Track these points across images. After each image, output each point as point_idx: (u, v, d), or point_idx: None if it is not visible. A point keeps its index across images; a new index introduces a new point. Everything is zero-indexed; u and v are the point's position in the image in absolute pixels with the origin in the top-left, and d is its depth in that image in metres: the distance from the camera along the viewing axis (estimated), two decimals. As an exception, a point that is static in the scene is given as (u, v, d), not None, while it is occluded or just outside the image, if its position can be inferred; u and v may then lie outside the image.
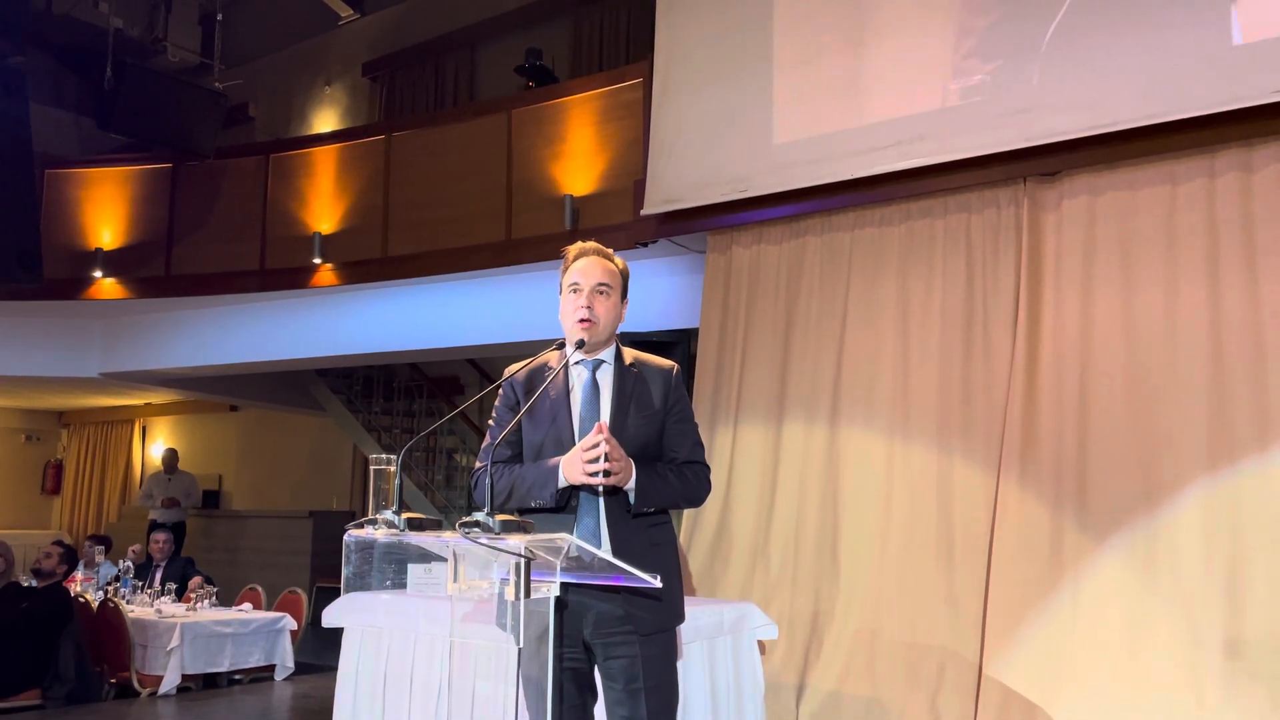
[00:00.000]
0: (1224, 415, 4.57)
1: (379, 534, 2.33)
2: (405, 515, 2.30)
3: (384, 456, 2.41)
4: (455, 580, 2.44)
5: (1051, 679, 4.68)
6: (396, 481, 2.38)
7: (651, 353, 2.83)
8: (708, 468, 2.79)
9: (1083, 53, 4.98)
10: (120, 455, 14.29)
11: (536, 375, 2.72)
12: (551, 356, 2.75)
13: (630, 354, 2.76)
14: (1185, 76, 4.69)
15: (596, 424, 2.55)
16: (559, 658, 2.48)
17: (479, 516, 2.20)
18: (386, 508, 2.35)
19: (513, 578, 2.20)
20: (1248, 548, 4.40)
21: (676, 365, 2.79)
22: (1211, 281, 4.69)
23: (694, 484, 2.71)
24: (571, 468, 2.52)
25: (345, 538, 2.39)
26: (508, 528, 2.20)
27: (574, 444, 2.60)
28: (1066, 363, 5.02)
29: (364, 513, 2.42)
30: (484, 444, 2.73)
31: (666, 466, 2.67)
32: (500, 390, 2.78)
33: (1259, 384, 4.51)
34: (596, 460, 2.47)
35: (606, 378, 2.70)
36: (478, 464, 2.70)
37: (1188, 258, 4.77)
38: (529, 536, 2.21)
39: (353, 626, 4.49)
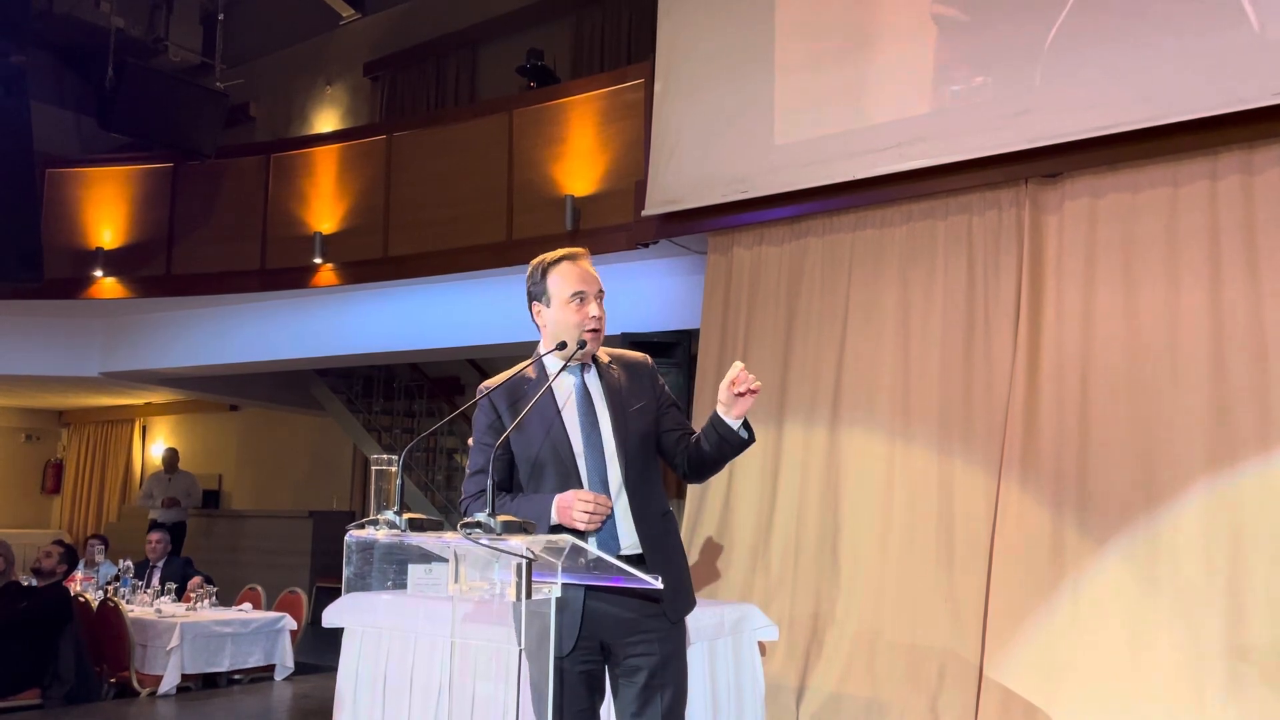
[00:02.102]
0: (1225, 417, 4.56)
1: (380, 534, 2.32)
2: (406, 515, 2.30)
3: (385, 457, 2.41)
4: (456, 581, 2.44)
5: (1052, 681, 4.68)
6: (398, 482, 2.38)
7: (652, 354, 2.85)
8: None
9: (1084, 54, 4.98)
10: (120, 455, 14.28)
11: (518, 388, 2.68)
12: (528, 367, 2.74)
13: (604, 353, 2.77)
14: (1187, 78, 4.68)
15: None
16: (572, 662, 2.52)
17: (480, 517, 2.20)
18: (387, 508, 2.34)
19: (514, 579, 2.19)
20: (1249, 550, 4.40)
21: (649, 356, 2.86)
22: (1213, 284, 4.69)
23: None
24: (564, 512, 2.51)
25: (346, 538, 2.39)
26: (509, 528, 2.19)
27: (571, 452, 2.61)
28: (1068, 365, 5.01)
29: (364, 513, 2.41)
30: (469, 472, 2.69)
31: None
32: (478, 407, 2.70)
33: (1260, 386, 4.50)
34: (593, 515, 2.48)
35: (594, 380, 2.71)
36: (464, 493, 2.67)
37: (1189, 260, 4.76)
38: (530, 537, 2.20)
39: (353, 627, 4.50)
